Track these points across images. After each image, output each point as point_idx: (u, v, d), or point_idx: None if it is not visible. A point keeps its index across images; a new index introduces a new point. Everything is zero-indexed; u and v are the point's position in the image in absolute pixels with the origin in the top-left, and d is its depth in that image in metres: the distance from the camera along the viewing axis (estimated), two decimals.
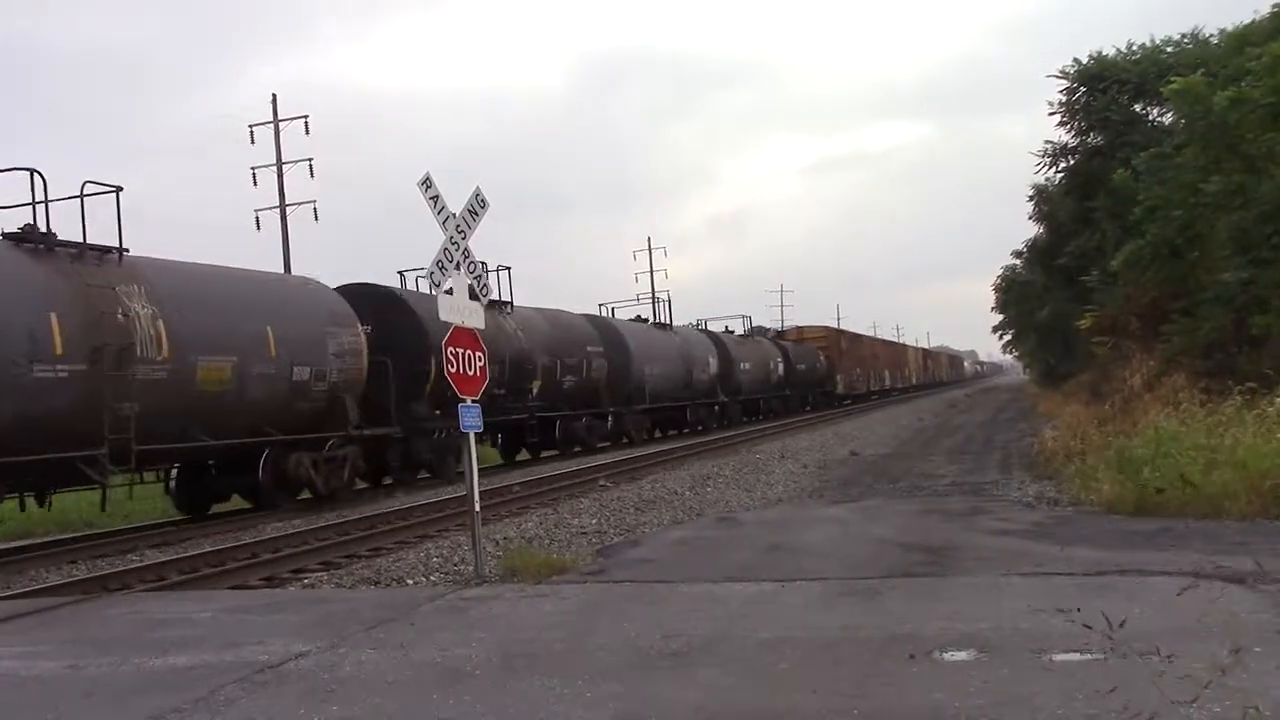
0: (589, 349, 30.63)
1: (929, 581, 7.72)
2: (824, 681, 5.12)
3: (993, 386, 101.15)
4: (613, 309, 38.43)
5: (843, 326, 76.37)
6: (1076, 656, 5.15)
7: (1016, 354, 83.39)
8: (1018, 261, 53.24)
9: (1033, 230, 42.99)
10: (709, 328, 44.83)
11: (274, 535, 14.72)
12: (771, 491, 16.08)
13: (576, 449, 29.94)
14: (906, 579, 7.83)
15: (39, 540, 16.43)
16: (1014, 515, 11.30)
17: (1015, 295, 55.55)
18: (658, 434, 37.30)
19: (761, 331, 54.02)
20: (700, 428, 38.92)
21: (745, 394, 44.47)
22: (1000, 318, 68.39)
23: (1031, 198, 38.64)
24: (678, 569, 9.03)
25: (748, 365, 44.24)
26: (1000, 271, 60.08)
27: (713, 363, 40.39)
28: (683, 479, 18.99)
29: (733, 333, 47.05)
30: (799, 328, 61.36)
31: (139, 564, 12.61)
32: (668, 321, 41.04)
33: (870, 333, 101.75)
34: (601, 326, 32.73)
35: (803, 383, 52.45)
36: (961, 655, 5.45)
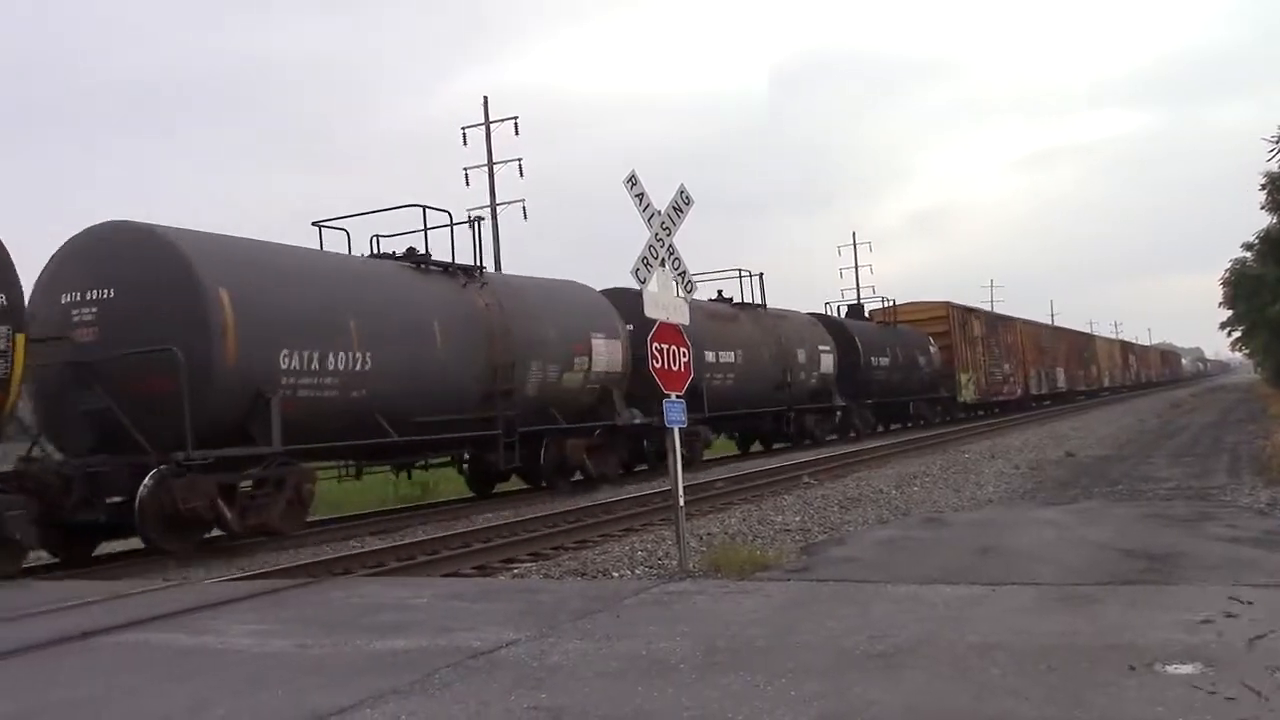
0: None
1: (1150, 589, 7.38)
2: (1037, 689, 4.96)
3: (1218, 386, 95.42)
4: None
5: (976, 306, 52.41)
6: None
7: (1247, 352, 76.87)
8: (1248, 254, 49.89)
9: (1264, 221, 40.37)
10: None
11: (485, 526, 15.19)
12: (981, 492, 15.66)
13: (806, 441, 31.76)
14: (1126, 586, 7.50)
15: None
16: (1244, 522, 10.68)
17: (1245, 290, 52.04)
18: (879, 429, 38.02)
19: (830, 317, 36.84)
20: (922, 421, 40.60)
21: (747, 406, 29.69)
22: (1228, 313, 63.88)
23: (1263, 186, 36.36)
24: (883, 569, 8.89)
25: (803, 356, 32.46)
26: (1229, 265, 56.00)
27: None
28: (888, 477, 18.69)
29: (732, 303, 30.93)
30: (892, 307, 41.72)
31: (360, 550, 13.21)
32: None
33: (1085, 329, 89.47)
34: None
35: (890, 386, 37.21)
36: (1186, 669, 5.18)
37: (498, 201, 41.39)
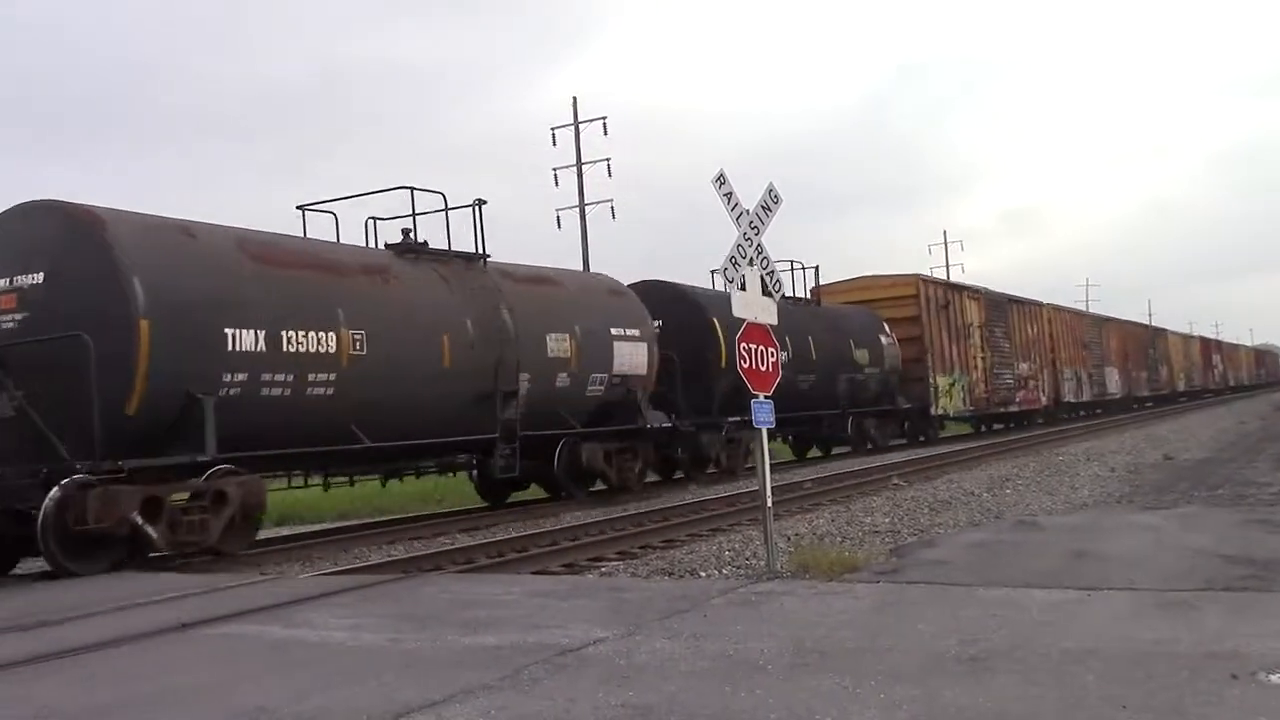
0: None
1: (1253, 597, 7.18)
2: (1135, 697, 4.85)
3: None
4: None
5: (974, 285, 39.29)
6: None
7: None
8: None
9: None
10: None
11: (572, 524, 15.28)
12: (1076, 495, 15.36)
13: (868, 446, 29.04)
14: (1227, 593, 7.30)
15: (363, 521, 17.69)
16: None
17: None
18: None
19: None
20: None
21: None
22: None
23: None
24: (974, 572, 8.76)
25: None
26: None
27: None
28: (979, 480, 18.43)
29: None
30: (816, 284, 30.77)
31: (450, 547, 13.37)
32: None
33: (1186, 330, 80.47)
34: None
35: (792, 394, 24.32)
36: None
37: (586, 202, 41.63)
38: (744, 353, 9.51)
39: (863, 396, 28.47)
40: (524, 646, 6.39)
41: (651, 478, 21.70)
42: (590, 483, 19.22)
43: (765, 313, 9.90)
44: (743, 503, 15.95)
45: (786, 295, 24.47)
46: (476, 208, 17.18)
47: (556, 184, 42.29)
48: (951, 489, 16.94)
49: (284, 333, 13.34)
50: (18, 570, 12.94)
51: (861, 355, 28.46)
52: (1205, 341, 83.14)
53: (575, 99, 42.13)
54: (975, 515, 13.43)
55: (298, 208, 16.61)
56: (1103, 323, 53.56)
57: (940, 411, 32.63)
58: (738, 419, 21.68)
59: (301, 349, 13.51)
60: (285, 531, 18.98)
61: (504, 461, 16.78)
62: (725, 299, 23.08)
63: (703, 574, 10.06)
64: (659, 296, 22.35)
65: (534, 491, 20.05)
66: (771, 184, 9.95)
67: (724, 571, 10.11)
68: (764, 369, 9.70)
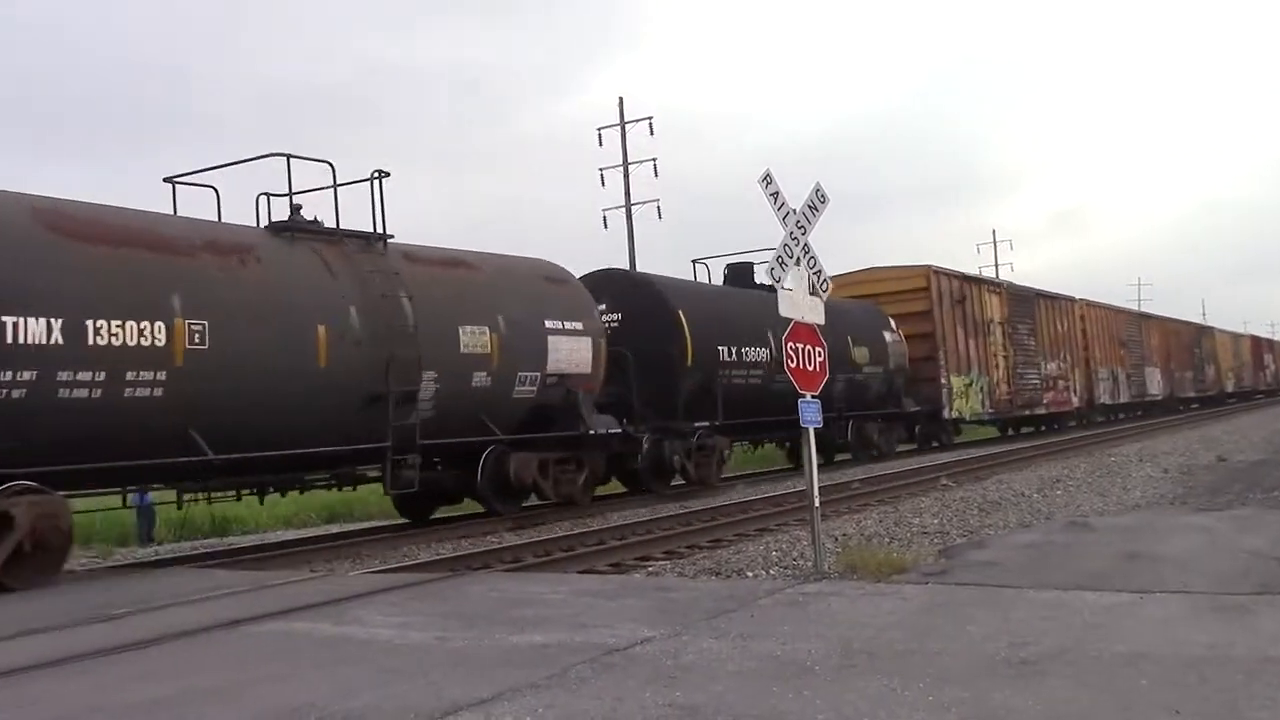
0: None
1: None
2: (1189, 702, 4.78)
3: None
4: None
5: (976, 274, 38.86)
6: None
7: None
8: None
9: None
10: None
11: (620, 524, 15.30)
12: (1128, 496, 15.18)
13: (873, 453, 26.49)
14: None
15: (460, 513, 17.86)
16: None
17: None
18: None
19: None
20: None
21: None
22: None
23: None
24: (1025, 574, 8.68)
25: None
26: None
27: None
28: (1029, 480, 18.25)
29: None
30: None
31: (498, 545, 13.43)
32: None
33: (1239, 330, 76.66)
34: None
35: (764, 397, 22.65)
36: None
37: (632, 202, 41.66)
38: (790, 352, 9.51)
39: (863, 399, 26.15)
40: (571, 645, 6.40)
41: (619, 490, 20.21)
42: (524, 497, 16.87)
43: (812, 312, 9.88)
44: (789, 503, 15.89)
45: (764, 285, 22.07)
46: (376, 180, 14.79)
47: (603, 184, 42.40)
48: (1001, 490, 16.79)
49: (90, 323, 11.22)
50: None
51: (861, 354, 25.99)
52: (1256, 340, 79.43)
53: (621, 99, 42.19)
54: (1025, 516, 13.30)
55: (165, 180, 14.16)
56: (1143, 319, 50.46)
57: (955, 414, 30.07)
58: (706, 424, 20.17)
59: (115, 342, 11.40)
60: (334, 529, 19.18)
61: (403, 474, 14.39)
62: (693, 289, 22.11)
63: (750, 574, 10.03)
64: (616, 286, 20.51)
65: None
66: (819, 184, 9.90)
67: (771, 572, 10.08)
68: (811, 368, 9.68)
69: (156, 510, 18.65)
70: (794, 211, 9.76)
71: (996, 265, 68.04)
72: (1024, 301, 35.96)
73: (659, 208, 41.79)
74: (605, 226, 41.99)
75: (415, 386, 14.43)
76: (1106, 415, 44.65)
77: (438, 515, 17.44)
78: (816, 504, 9.50)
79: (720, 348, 20.99)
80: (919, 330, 28.92)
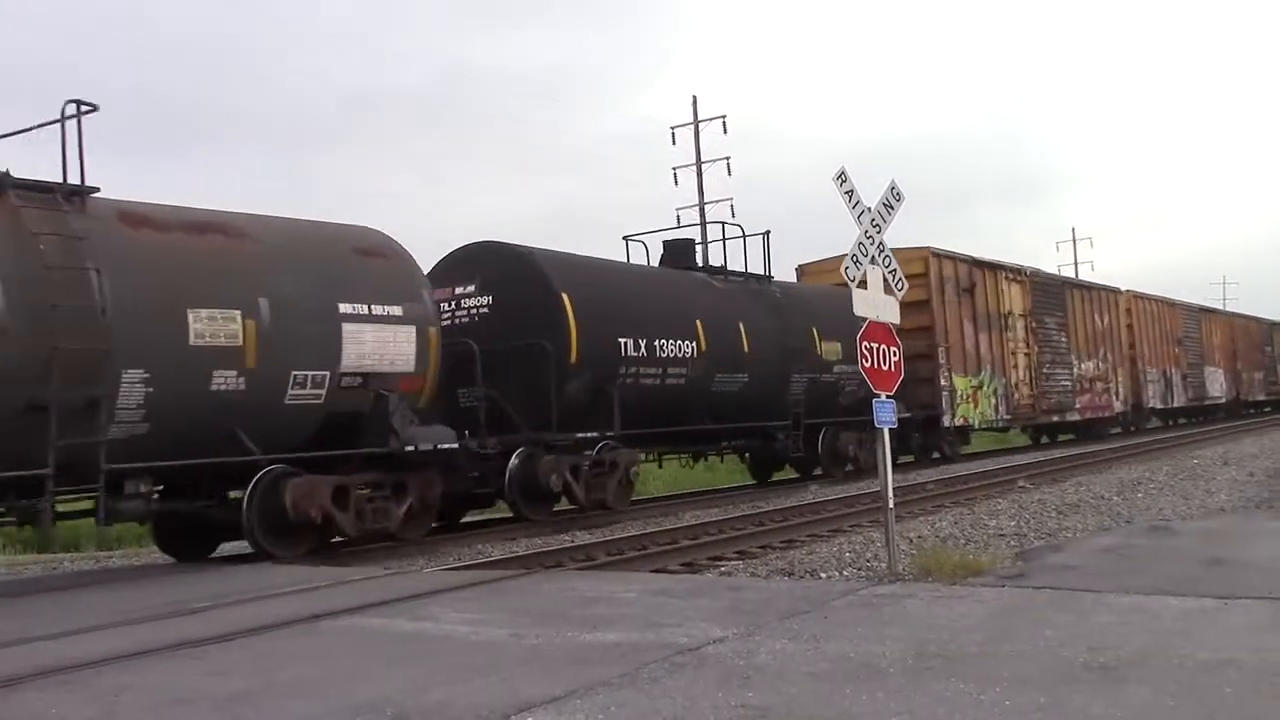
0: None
1: None
2: (1274, 711, 4.67)
3: None
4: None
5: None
6: None
7: None
8: None
9: None
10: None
11: (693, 523, 15.29)
12: (1212, 500, 14.85)
13: (849, 468, 22.30)
14: None
15: (486, 518, 17.92)
16: None
17: None
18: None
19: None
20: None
21: None
22: None
23: None
24: (1104, 578, 8.53)
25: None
26: None
27: None
28: (1109, 483, 17.94)
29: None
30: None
31: (570, 544, 13.47)
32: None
33: None
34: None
35: (762, 402, 19.68)
36: None
37: (705, 200, 41.64)
38: (865, 351, 9.47)
39: (834, 403, 21.72)
40: (643, 644, 6.41)
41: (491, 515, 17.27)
42: (310, 536, 12.63)
43: (887, 311, 9.83)
44: (863, 503, 15.79)
45: (712, 267, 20.39)
46: (72, 120, 11.10)
47: (676, 183, 42.42)
48: (1080, 492, 16.52)
49: None
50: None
51: (831, 349, 21.40)
52: None
53: (695, 98, 42.33)
54: (1105, 519, 13.08)
55: None
56: (1203, 314, 45.29)
57: (958, 421, 25.93)
58: (595, 434, 16.21)
59: None
60: None
61: (125, 505, 11.10)
62: (589, 266, 18.30)
63: (823, 575, 9.98)
64: (489, 262, 16.50)
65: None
66: (894, 181, 9.84)
67: (844, 573, 10.01)
68: (886, 368, 9.64)
69: None
70: (869, 210, 9.70)
71: (1076, 263, 66.94)
72: (1052, 291, 31.69)
73: (732, 206, 41.71)
74: (678, 224, 41.99)
75: (98, 391, 10.53)
76: (1165, 420, 41.88)
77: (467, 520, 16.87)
78: (891, 505, 9.43)
79: (623, 340, 16.76)
80: (915, 323, 23.41)
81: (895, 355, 9.75)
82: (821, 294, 22.61)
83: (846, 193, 9.64)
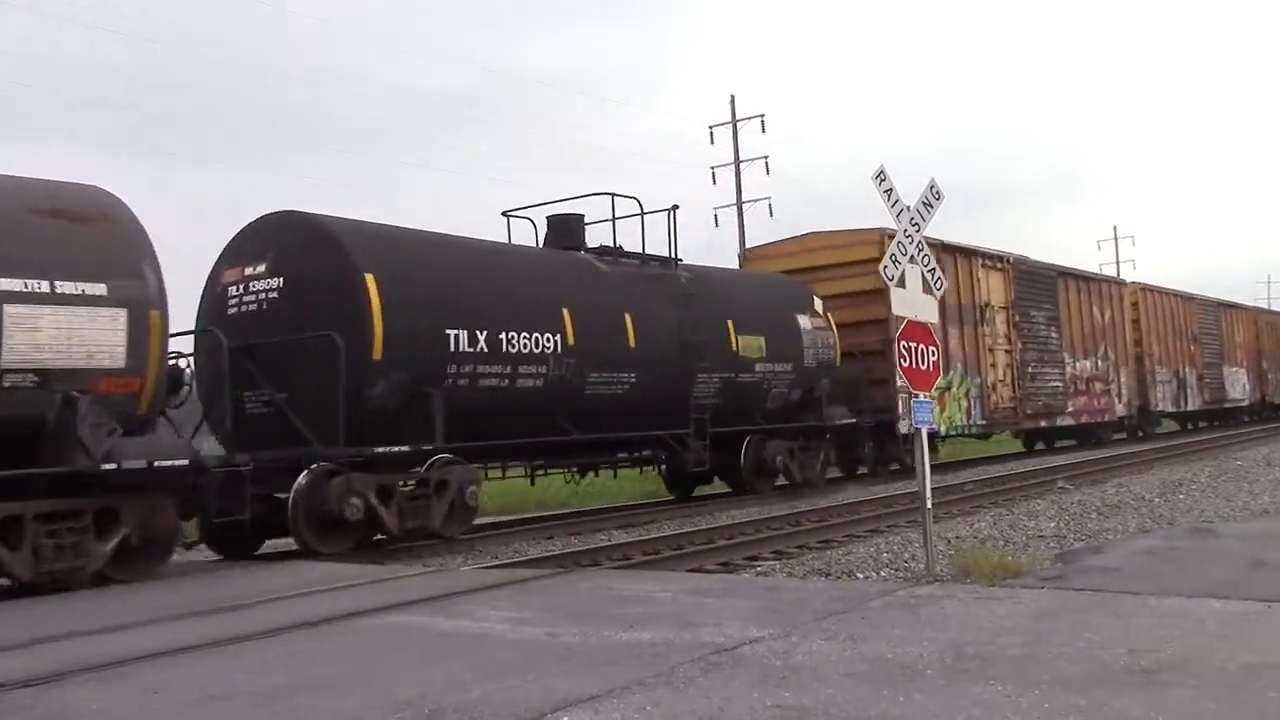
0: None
1: None
2: None
3: None
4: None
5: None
6: None
7: None
8: None
9: None
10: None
11: (729, 523, 15.27)
12: (1256, 502, 14.67)
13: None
14: None
15: (522, 516, 17.99)
16: None
17: None
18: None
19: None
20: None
21: None
22: None
23: None
24: (1145, 580, 8.45)
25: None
26: None
27: None
28: (1150, 484, 17.75)
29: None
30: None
31: (606, 543, 13.50)
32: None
33: None
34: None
35: (655, 406, 16.29)
36: None
37: (744, 199, 41.60)
38: (904, 351, 9.45)
39: (756, 408, 18.61)
40: (679, 644, 6.41)
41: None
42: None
43: (925, 310, 9.81)
44: (900, 504, 15.71)
45: (601, 247, 17.12)
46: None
47: (714, 182, 42.42)
48: (1120, 493, 16.36)
49: None
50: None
51: (752, 345, 18.23)
52: None
53: (733, 97, 42.43)
54: (1146, 521, 12.95)
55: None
56: (1222, 309, 40.49)
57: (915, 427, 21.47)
58: (410, 449, 13.01)
59: None
60: None
61: None
62: (401, 240, 14.53)
63: (860, 575, 9.94)
64: (276, 236, 13.48)
65: None
66: (933, 179, 9.79)
67: (882, 574, 9.97)
68: (924, 368, 9.62)
69: None
70: (908, 209, 9.65)
71: (1118, 262, 66.30)
72: (1039, 282, 27.61)
73: (770, 205, 41.67)
74: (716, 224, 42.03)
75: None
76: (1183, 423, 38.46)
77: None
78: (928, 505, 9.39)
79: (453, 332, 13.62)
80: (867, 315, 20.74)
81: (934, 355, 9.71)
82: (743, 280, 20.06)
83: (885, 191, 9.60)
